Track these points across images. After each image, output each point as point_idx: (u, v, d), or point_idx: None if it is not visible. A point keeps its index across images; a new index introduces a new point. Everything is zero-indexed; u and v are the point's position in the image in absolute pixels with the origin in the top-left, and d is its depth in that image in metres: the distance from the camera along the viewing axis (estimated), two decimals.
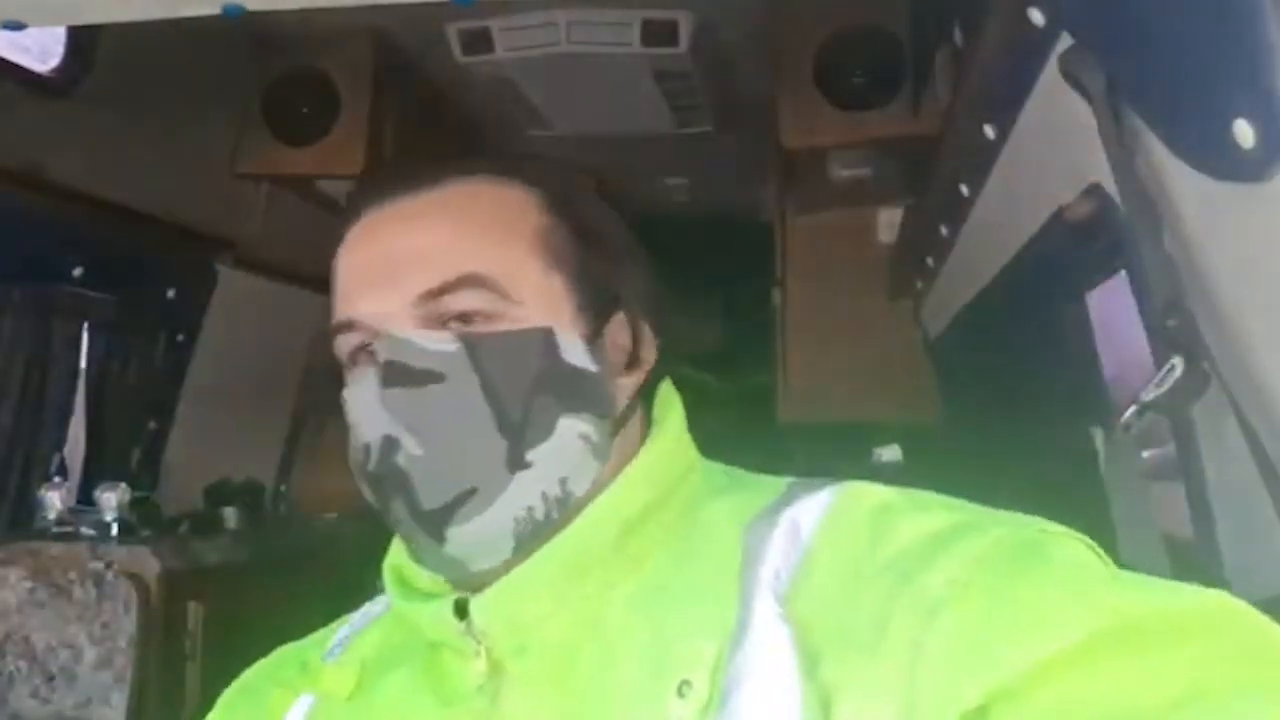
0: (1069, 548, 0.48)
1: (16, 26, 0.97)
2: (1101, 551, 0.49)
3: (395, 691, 0.58)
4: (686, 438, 0.62)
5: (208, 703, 0.68)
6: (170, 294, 1.90)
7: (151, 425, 1.93)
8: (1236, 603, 0.44)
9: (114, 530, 1.62)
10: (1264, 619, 0.43)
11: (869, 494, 0.55)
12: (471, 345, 0.54)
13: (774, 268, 2.35)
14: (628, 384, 0.60)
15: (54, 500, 1.65)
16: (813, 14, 1.71)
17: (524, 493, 0.54)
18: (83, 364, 1.82)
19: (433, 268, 0.56)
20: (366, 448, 0.56)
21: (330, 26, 1.79)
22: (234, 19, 0.92)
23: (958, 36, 1.30)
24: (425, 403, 0.54)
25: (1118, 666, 0.40)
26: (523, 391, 0.55)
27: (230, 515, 1.93)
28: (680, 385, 0.64)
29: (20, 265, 1.63)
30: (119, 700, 1.48)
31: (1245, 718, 0.39)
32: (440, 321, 0.55)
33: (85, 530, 1.62)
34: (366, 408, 0.55)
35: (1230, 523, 0.91)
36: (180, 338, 1.95)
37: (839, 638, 0.48)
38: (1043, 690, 0.40)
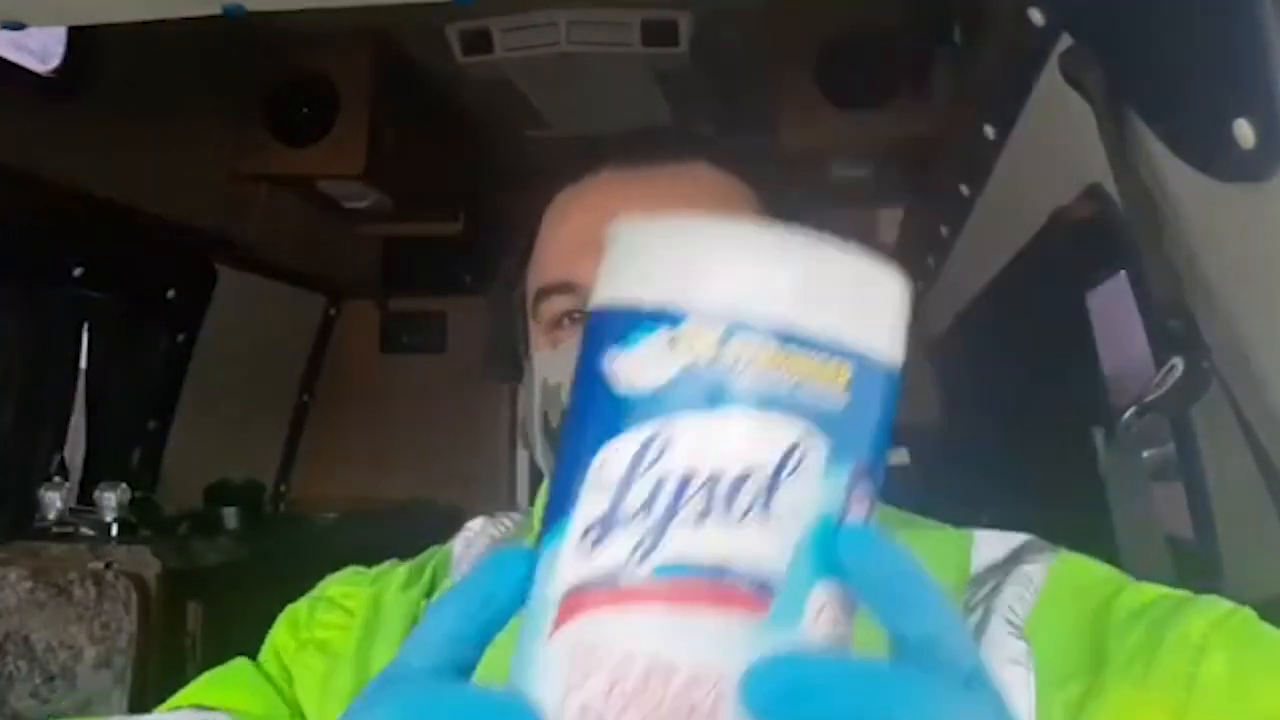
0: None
1: (16, 26, 0.97)
2: None
3: None
4: None
5: None
6: (170, 294, 1.89)
7: (151, 425, 1.93)
8: None
9: (114, 530, 1.62)
10: None
11: (1088, 564, 0.58)
12: None
13: None
14: None
15: (54, 500, 1.65)
16: (813, 14, 1.70)
17: None
18: (83, 364, 1.82)
19: None
20: None
21: (330, 27, 1.78)
22: (234, 19, 0.92)
23: (958, 36, 1.30)
24: None
25: None
26: None
27: (230, 515, 1.93)
28: None
29: (20, 265, 1.62)
30: (119, 700, 1.48)
31: None
32: None
33: (85, 530, 1.62)
34: None
35: (1230, 523, 0.92)
36: (180, 338, 1.94)
37: (1088, 665, 0.50)
38: None
